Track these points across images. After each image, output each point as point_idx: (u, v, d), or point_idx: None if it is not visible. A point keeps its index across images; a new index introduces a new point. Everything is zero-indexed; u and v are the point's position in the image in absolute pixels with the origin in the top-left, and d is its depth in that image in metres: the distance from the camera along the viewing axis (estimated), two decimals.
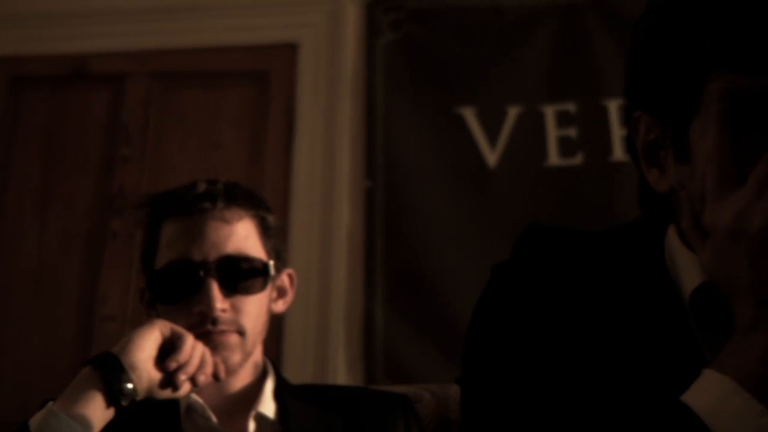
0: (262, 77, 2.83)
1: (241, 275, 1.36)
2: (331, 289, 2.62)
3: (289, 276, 1.50)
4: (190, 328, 1.31)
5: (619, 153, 2.66)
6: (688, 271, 0.89)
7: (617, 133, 2.69)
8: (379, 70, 2.82)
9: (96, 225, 2.70)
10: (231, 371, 1.33)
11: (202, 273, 1.33)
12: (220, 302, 1.32)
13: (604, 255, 0.95)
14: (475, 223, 2.64)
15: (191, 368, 1.23)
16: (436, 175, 2.70)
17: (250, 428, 1.33)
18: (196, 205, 1.37)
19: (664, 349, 0.85)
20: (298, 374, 2.55)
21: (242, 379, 1.38)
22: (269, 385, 1.39)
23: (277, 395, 1.38)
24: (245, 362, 1.36)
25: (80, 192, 2.74)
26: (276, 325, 2.59)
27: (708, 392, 0.76)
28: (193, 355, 1.23)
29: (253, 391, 1.38)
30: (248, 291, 1.37)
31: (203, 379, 1.24)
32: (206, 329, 1.31)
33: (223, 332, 1.32)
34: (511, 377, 0.87)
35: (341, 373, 2.55)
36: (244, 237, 1.38)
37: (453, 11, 2.88)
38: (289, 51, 2.84)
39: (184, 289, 1.34)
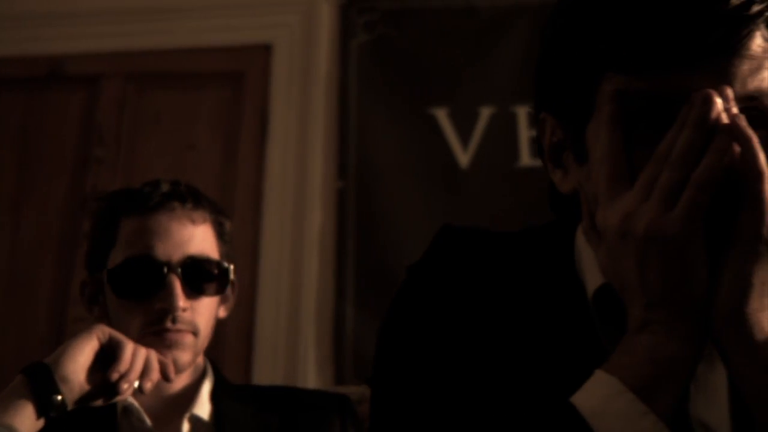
0: (236, 78, 2.84)
1: (203, 277, 1.39)
2: (301, 289, 2.62)
3: (232, 283, 1.51)
4: (147, 325, 1.32)
5: None
6: (592, 271, 0.89)
7: None
8: (352, 70, 2.82)
9: (69, 226, 2.71)
10: (180, 371, 1.34)
11: (165, 270, 1.34)
12: (182, 301, 1.34)
13: (516, 256, 0.96)
14: (448, 222, 2.64)
15: (134, 375, 1.23)
16: (408, 176, 2.71)
17: (184, 430, 1.33)
18: (163, 203, 1.38)
19: (569, 349, 0.86)
20: (269, 374, 2.56)
21: (181, 380, 1.39)
22: (206, 387, 1.40)
23: (214, 396, 1.38)
24: (194, 363, 1.37)
25: (54, 193, 2.75)
26: (246, 324, 2.60)
27: (595, 392, 0.77)
28: (134, 361, 1.23)
29: (191, 392, 1.39)
30: (207, 293, 1.39)
31: (149, 385, 1.25)
32: (164, 327, 1.32)
33: (179, 331, 1.33)
34: (416, 378, 0.87)
35: (311, 373, 2.55)
36: (204, 239, 1.41)
37: (427, 12, 2.88)
38: (263, 52, 2.85)
39: (145, 286, 1.35)
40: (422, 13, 2.88)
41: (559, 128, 0.90)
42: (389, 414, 0.88)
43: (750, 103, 0.79)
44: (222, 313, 1.47)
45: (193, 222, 1.38)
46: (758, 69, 0.79)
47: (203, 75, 2.85)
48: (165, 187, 1.40)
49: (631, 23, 0.79)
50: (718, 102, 0.75)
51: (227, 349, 2.61)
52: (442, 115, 2.75)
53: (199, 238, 1.38)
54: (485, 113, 2.74)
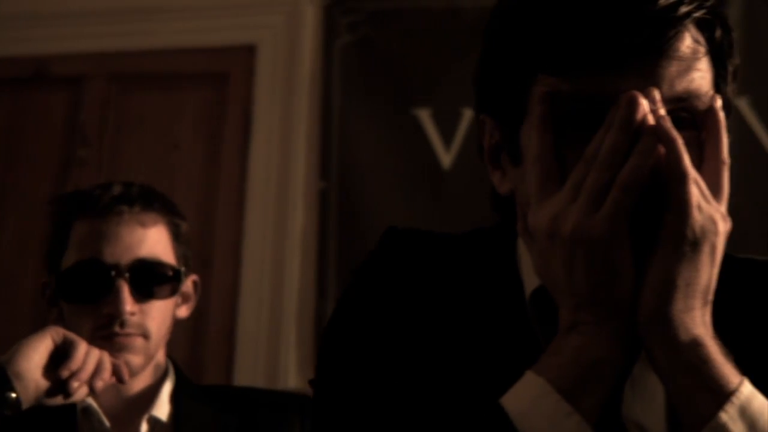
0: (220, 79, 2.85)
1: (153, 280, 1.39)
2: (283, 289, 2.63)
3: (194, 282, 1.51)
4: (96, 330, 1.32)
5: None
6: (530, 272, 0.90)
7: None
8: (336, 71, 2.82)
9: None
10: (133, 374, 1.34)
11: (113, 274, 1.34)
12: (130, 305, 1.34)
13: (460, 258, 0.96)
14: (429, 224, 2.63)
15: (85, 375, 1.23)
16: (391, 177, 2.71)
17: (143, 431, 1.34)
18: (112, 207, 1.38)
19: (507, 350, 0.86)
20: (250, 373, 2.57)
21: (141, 381, 1.39)
22: (167, 388, 1.40)
23: (174, 397, 1.39)
24: (148, 365, 1.37)
25: (37, 194, 2.75)
26: (228, 324, 2.61)
27: (523, 393, 0.77)
28: (86, 361, 1.24)
29: (150, 393, 1.39)
30: (158, 296, 1.38)
31: (101, 384, 1.25)
32: (112, 331, 1.32)
33: (128, 335, 1.33)
34: (353, 380, 0.88)
35: (293, 373, 2.56)
36: (157, 242, 1.40)
37: (411, 13, 2.88)
38: (247, 53, 2.85)
39: (94, 290, 1.35)
40: (406, 13, 2.88)
41: (496, 130, 0.91)
42: (329, 415, 0.89)
43: (678, 104, 0.80)
44: (182, 313, 1.48)
45: (143, 225, 1.38)
46: (687, 70, 0.80)
47: (187, 76, 2.86)
48: (116, 190, 1.40)
49: (560, 25, 0.80)
50: (644, 104, 0.76)
51: (209, 348, 2.62)
52: (424, 116, 2.75)
53: (150, 241, 1.39)
54: (468, 114, 2.74)
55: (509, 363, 0.83)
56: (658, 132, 0.76)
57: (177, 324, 2.60)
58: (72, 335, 1.26)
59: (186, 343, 2.63)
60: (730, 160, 0.88)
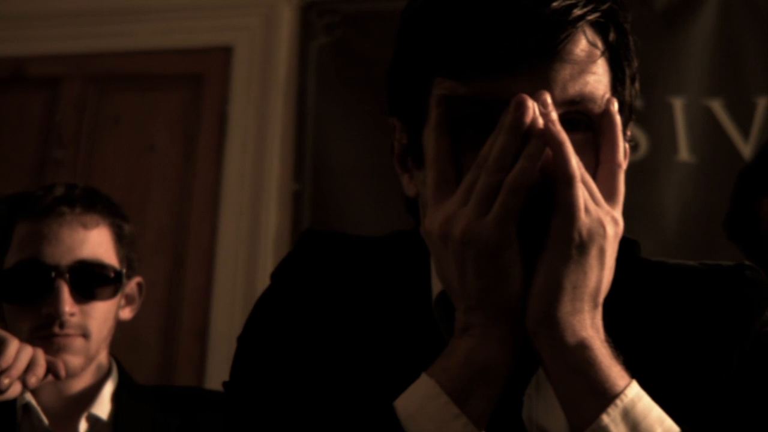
0: (196, 80, 2.86)
1: (93, 281, 1.39)
2: (256, 289, 2.63)
3: (138, 284, 1.52)
4: (36, 330, 1.33)
5: None
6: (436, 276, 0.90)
7: None
8: (311, 73, 2.83)
9: None
10: (72, 374, 1.34)
11: (53, 275, 1.35)
12: (69, 306, 1.34)
13: (376, 260, 0.96)
14: (402, 226, 2.64)
15: (15, 372, 1.23)
16: (365, 179, 2.71)
17: (81, 429, 1.35)
18: (53, 208, 1.39)
19: (414, 353, 0.86)
20: (222, 374, 2.53)
21: (83, 380, 1.40)
22: (109, 387, 1.41)
23: (116, 397, 1.39)
24: (88, 366, 1.38)
25: None
26: (201, 324, 2.62)
27: (414, 395, 0.78)
28: (18, 358, 1.24)
29: (92, 392, 1.40)
30: (99, 297, 1.39)
31: (34, 381, 1.25)
32: (51, 332, 1.33)
33: (68, 336, 1.34)
34: (262, 381, 0.88)
35: None
36: (98, 243, 1.41)
37: (387, 15, 2.86)
38: (223, 54, 2.86)
39: (33, 291, 1.36)
40: (382, 15, 2.87)
41: (403, 133, 0.91)
42: (238, 416, 0.89)
43: (572, 107, 0.80)
44: (126, 315, 1.48)
45: (85, 226, 1.39)
46: (581, 73, 0.80)
47: (163, 77, 2.87)
48: (58, 191, 1.41)
49: (455, 29, 0.80)
50: (532, 106, 0.76)
51: (181, 349, 2.63)
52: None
53: (91, 242, 1.39)
54: None
55: (414, 364, 0.83)
56: (545, 135, 0.76)
57: (149, 323, 2.64)
58: (4, 333, 1.27)
59: (158, 342, 2.64)
60: (626, 162, 0.89)
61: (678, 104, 2.66)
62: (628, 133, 0.93)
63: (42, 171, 2.79)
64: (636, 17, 2.64)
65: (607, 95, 0.82)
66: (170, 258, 2.71)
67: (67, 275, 1.35)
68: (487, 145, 0.78)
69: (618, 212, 0.80)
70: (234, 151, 2.77)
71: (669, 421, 0.75)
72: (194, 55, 2.87)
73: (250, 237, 2.68)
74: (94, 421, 1.36)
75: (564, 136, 0.76)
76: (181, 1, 2.88)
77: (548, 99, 0.77)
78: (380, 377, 0.85)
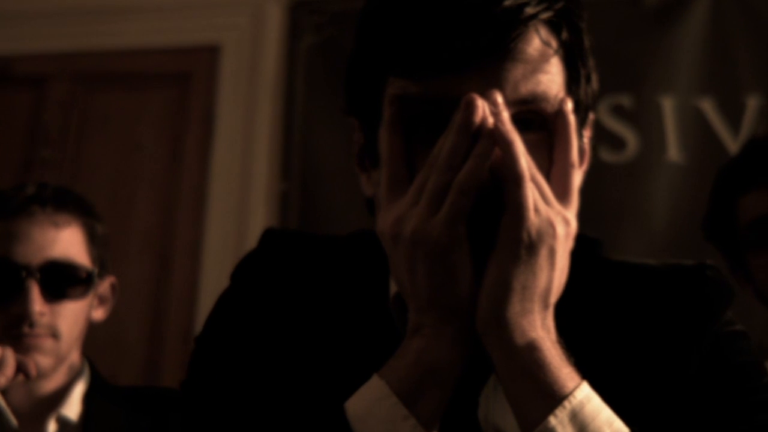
0: (183, 79, 2.85)
1: (64, 281, 1.38)
2: None
3: (112, 285, 1.51)
4: (5, 329, 1.31)
5: None
6: None
7: None
8: (299, 72, 2.82)
9: None
10: (42, 374, 1.33)
11: (24, 275, 1.34)
12: (39, 306, 1.33)
13: (336, 259, 0.96)
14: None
15: None
16: (352, 179, 2.68)
17: (50, 430, 1.34)
18: (24, 207, 1.38)
19: (370, 352, 0.85)
20: None
21: (53, 381, 1.38)
22: (79, 388, 1.40)
23: (87, 398, 1.38)
24: (59, 366, 1.37)
25: None
26: (187, 325, 2.61)
27: (364, 396, 0.77)
28: None
29: (62, 393, 1.39)
30: (70, 297, 1.38)
31: (3, 381, 1.24)
32: (21, 331, 1.32)
33: (37, 336, 1.33)
34: (218, 384, 0.87)
35: None
36: (70, 243, 1.39)
37: None
38: (211, 53, 2.86)
39: (4, 290, 1.35)
40: None
41: (361, 132, 0.90)
42: (192, 415, 0.88)
43: (524, 106, 0.79)
44: (98, 315, 1.47)
45: (56, 226, 1.37)
46: (533, 72, 0.79)
47: (150, 76, 2.86)
48: (29, 191, 1.40)
49: (408, 28, 0.79)
50: (481, 106, 0.75)
51: (167, 349, 2.62)
52: None
53: (62, 242, 1.38)
54: None
55: (371, 365, 0.82)
56: (495, 134, 0.75)
57: (134, 323, 2.63)
58: None
59: (144, 343, 2.64)
60: (580, 162, 0.88)
61: (668, 104, 2.65)
62: (588, 133, 0.92)
63: (29, 170, 2.78)
64: (626, 16, 2.64)
65: (561, 95, 0.81)
66: (156, 258, 2.70)
67: (38, 275, 1.34)
68: (438, 145, 0.77)
69: (571, 212, 0.79)
70: (221, 151, 2.76)
71: (618, 423, 0.74)
72: (182, 55, 2.86)
73: (237, 237, 2.67)
74: (63, 423, 1.35)
75: (513, 136, 0.75)
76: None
77: (499, 98, 0.76)
78: (337, 377, 0.84)
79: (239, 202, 2.71)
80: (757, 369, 0.88)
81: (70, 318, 1.36)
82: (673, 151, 2.61)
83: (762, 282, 1.43)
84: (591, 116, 0.91)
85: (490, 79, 0.77)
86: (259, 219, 2.70)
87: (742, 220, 1.44)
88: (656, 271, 0.91)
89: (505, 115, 0.76)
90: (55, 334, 1.34)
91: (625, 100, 2.66)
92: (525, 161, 0.75)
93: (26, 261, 1.35)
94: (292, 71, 2.82)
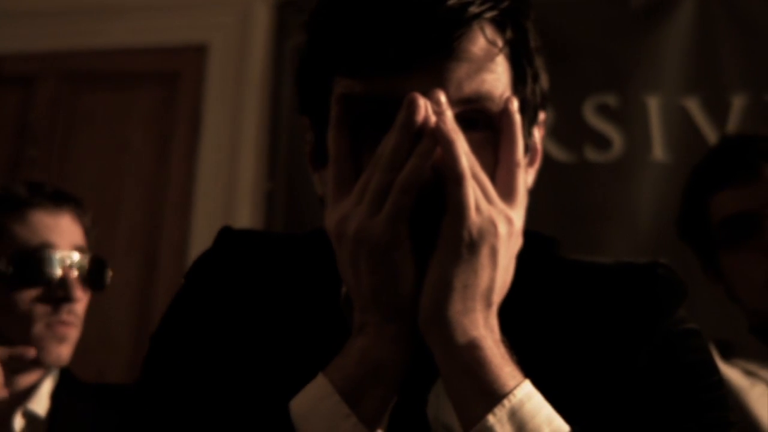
0: (171, 78, 2.85)
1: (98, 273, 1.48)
2: None
3: None
4: (42, 314, 1.37)
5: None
6: None
7: None
8: (286, 72, 2.81)
9: None
10: (62, 364, 1.41)
11: (68, 263, 1.42)
12: (79, 292, 1.42)
13: (291, 258, 0.96)
14: None
15: None
16: None
17: (16, 425, 1.34)
18: (58, 201, 1.49)
19: (322, 350, 0.85)
20: None
21: (31, 376, 1.41)
22: (48, 384, 1.41)
23: (56, 394, 1.39)
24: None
25: None
26: None
27: (308, 394, 0.77)
28: None
29: (32, 388, 1.40)
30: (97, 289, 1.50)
31: None
32: (60, 318, 1.39)
33: (71, 324, 1.41)
34: (167, 383, 0.88)
35: None
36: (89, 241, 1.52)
37: None
38: (198, 52, 2.86)
39: (45, 277, 1.40)
40: None
41: (312, 131, 0.90)
42: (140, 414, 0.89)
43: (469, 105, 0.79)
44: None
45: (82, 222, 1.49)
46: (478, 71, 0.79)
47: (138, 75, 2.86)
48: (48, 188, 1.48)
49: (353, 28, 0.80)
50: (423, 105, 0.75)
51: None
52: None
53: (88, 239, 1.49)
54: None
55: (323, 363, 0.82)
56: (436, 133, 0.75)
57: (121, 322, 2.63)
58: None
59: (130, 342, 2.64)
60: (531, 161, 0.88)
61: (653, 103, 2.65)
62: (541, 132, 0.93)
63: (16, 170, 2.79)
64: (612, 16, 2.63)
65: (507, 94, 0.81)
66: (143, 257, 2.71)
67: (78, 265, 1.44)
68: (382, 145, 0.77)
69: (515, 211, 0.79)
70: (208, 150, 2.76)
71: (559, 422, 0.74)
72: (169, 54, 2.86)
73: None
74: (30, 418, 1.37)
75: (454, 135, 0.75)
76: None
77: (442, 97, 0.76)
78: (290, 376, 0.84)
79: (225, 202, 2.71)
80: (708, 367, 0.88)
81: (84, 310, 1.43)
82: (659, 151, 2.61)
83: (732, 280, 1.43)
84: (542, 116, 0.91)
85: (434, 79, 0.77)
86: (245, 218, 2.70)
87: (713, 218, 1.44)
88: (609, 270, 0.91)
89: (449, 114, 0.76)
90: (79, 326, 1.40)
91: (611, 100, 2.66)
92: (466, 160, 0.75)
93: (67, 250, 1.42)
94: (279, 71, 2.82)
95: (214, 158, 2.75)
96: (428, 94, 0.76)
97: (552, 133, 2.66)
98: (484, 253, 0.75)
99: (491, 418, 0.72)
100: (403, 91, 0.76)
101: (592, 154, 2.63)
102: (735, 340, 1.47)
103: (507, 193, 0.79)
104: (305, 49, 0.88)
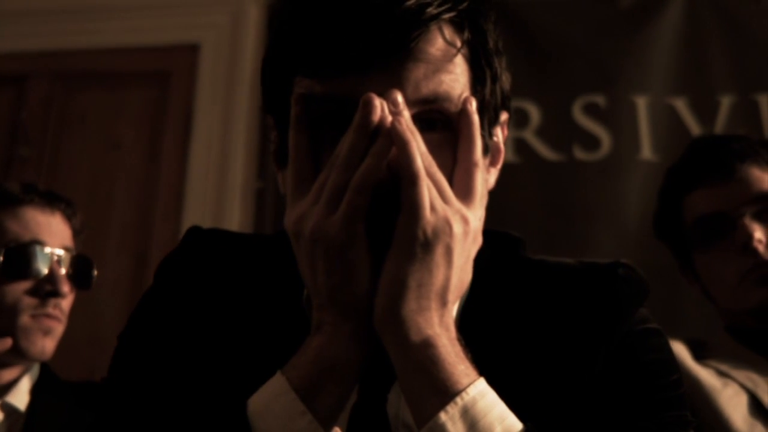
0: (163, 78, 2.86)
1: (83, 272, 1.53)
2: None
3: None
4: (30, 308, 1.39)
5: (509, 154, 2.67)
6: None
7: (508, 134, 2.69)
8: None
9: None
10: (45, 358, 1.43)
11: (56, 259, 1.48)
12: (66, 287, 1.46)
13: (258, 258, 0.97)
14: None
15: None
16: None
17: None
18: (50, 201, 1.53)
19: (284, 349, 0.86)
20: None
21: (13, 371, 1.43)
22: (28, 379, 1.43)
23: (35, 390, 1.41)
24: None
25: None
26: None
27: (265, 392, 0.78)
28: None
29: (13, 383, 1.43)
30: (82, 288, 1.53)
31: None
32: (46, 311, 1.43)
33: (56, 318, 1.45)
34: (132, 382, 0.89)
35: None
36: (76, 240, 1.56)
37: None
38: (190, 52, 2.86)
39: (34, 271, 1.44)
40: None
41: (275, 131, 0.91)
42: (106, 411, 0.90)
43: (426, 106, 0.80)
44: None
45: (71, 223, 1.53)
46: (435, 72, 0.80)
47: (130, 74, 2.87)
48: (39, 187, 1.54)
49: (312, 29, 0.80)
50: (379, 105, 0.76)
51: None
52: None
53: (75, 240, 1.54)
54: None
55: (284, 361, 0.83)
56: (391, 133, 0.76)
57: (111, 321, 2.64)
58: None
59: None
60: (492, 161, 0.89)
61: (641, 103, 2.66)
62: (502, 132, 0.93)
63: (8, 169, 2.80)
64: (601, 16, 2.63)
65: (466, 94, 0.82)
66: (134, 255, 2.72)
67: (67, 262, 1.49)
68: (340, 144, 0.78)
69: (473, 211, 0.79)
70: (199, 149, 2.77)
71: (512, 419, 0.75)
72: (161, 53, 2.87)
73: None
74: (9, 410, 1.39)
75: (409, 135, 0.76)
76: None
77: (398, 98, 0.77)
78: (253, 374, 0.85)
79: (216, 201, 2.72)
80: (667, 366, 0.89)
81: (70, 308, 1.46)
82: (647, 150, 2.62)
83: (706, 280, 1.44)
84: (503, 116, 0.92)
85: (391, 79, 0.78)
86: (235, 217, 2.71)
87: (687, 218, 1.45)
88: (571, 271, 0.92)
89: (406, 114, 0.77)
90: (64, 321, 1.43)
91: (600, 99, 2.67)
92: (420, 160, 0.76)
93: (56, 248, 1.46)
94: None
95: (205, 157, 2.76)
96: (385, 95, 0.77)
97: (541, 132, 2.68)
98: (439, 252, 0.76)
99: (443, 416, 0.73)
100: (361, 91, 0.77)
101: (580, 154, 2.64)
102: (715, 339, 1.48)
103: (464, 193, 0.80)
104: (266, 51, 0.89)
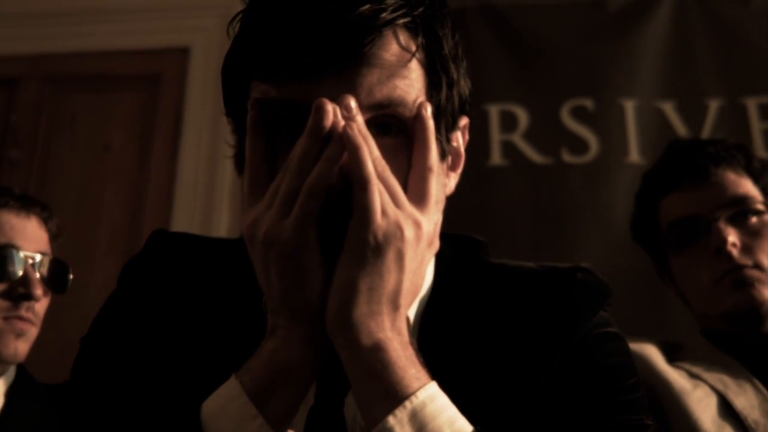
0: (153, 81, 2.86)
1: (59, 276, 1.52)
2: None
3: None
4: (2, 309, 1.40)
5: (497, 158, 2.67)
6: None
7: (497, 137, 2.70)
8: None
9: None
10: (18, 360, 1.43)
11: (30, 262, 1.48)
12: (40, 290, 1.46)
13: (221, 262, 0.97)
14: None
15: None
16: None
17: None
18: (25, 205, 1.52)
19: (245, 353, 0.87)
20: None
21: None
22: (2, 382, 1.43)
23: (9, 393, 1.42)
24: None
25: None
26: None
27: (219, 395, 0.79)
28: None
29: None
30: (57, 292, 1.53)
31: None
32: (19, 314, 1.43)
33: (28, 321, 1.45)
34: (92, 385, 0.89)
35: None
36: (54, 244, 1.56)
37: None
38: (180, 55, 2.87)
39: (7, 274, 1.44)
40: None
41: (235, 135, 0.92)
42: (68, 414, 0.90)
43: (380, 111, 0.80)
44: None
45: (47, 226, 1.54)
46: (390, 77, 0.80)
47: (120, 77, 2.88)
48: (15, 191, 1.54)
49: (267, 34, 0.81)
50: (331, 110, 0.76)
51: None
52: None
53: (53, 243, 1.54)
54: None
55: (242, 364, 0.84)
56: (343, 138, 0.76)
57: None
58: None
59: None
60: (452, 166, 0.90)
61: (629, 106, 2.66)
62: (463, 137, 0.94)
63: None
64: (589, 19, 2.64)
65: (421, 99, 0.82)
66: (123, 258, 2.71)
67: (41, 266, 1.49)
68: (294, 149, 0.79)
69: (426, 215, 0.80)
70: (188, 152, 2.77)
71: (462, 422, 0.75)
72: (151, 56, 2.88)
73: None
74: None
75: (360, 140, 0.76)
76: (138, 2, 2.89)
77: (351, 103, 0.78)
78: (211, 377, 0.85)
79: (205, 203, 2.72)
80: (626, 370, 0.89)
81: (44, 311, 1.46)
82: (635, 154, 2.62)
83: (681, 282, 1.44)
84: (463, 121, 0.92)
85: (345, 84, 0.79)
86: (225, 220, 2.71)
87: (663, 221, 1.45)
88: (531, 274, 0.93)
89: (359, 119, 0.78)
90: (38, 324, 1.43)
91: (588, 103, 2.67)
92: (371, 165, 0.76)
93: (31, 252, 1.46)
94: None
95: (195, 160, 2.76)
96: (338, 100, 0.77)
97: (529, 135, 2.68)
98: (390, 256, 0.76)
99: (391, 420, 0.73)
100: (314, 96, 0.77)
101: (568, 157, 2.65)
102: (693, 341, 1.48)
103: (418, 198, 0.80)
104: (227, 54, 0.90)
